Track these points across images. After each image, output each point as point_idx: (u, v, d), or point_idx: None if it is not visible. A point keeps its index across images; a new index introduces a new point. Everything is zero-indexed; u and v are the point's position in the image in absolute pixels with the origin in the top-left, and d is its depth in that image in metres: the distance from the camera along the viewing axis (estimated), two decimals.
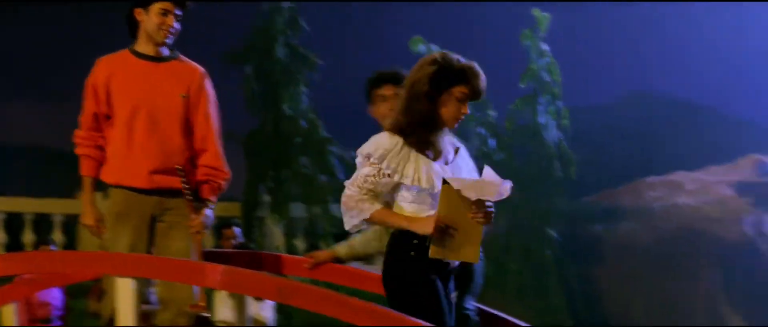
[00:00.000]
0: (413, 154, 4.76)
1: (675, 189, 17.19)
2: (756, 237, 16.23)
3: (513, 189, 4.65)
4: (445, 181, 4.69)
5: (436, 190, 4.76)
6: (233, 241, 10.41)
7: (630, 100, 19.49)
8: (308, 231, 14.85)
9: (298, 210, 14.82)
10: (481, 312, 5.14)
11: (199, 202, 5.59)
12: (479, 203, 4.63)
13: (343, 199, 4.84)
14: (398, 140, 4.77)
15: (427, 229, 4.66)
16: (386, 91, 5.59)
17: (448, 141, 4.93)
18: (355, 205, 4.78)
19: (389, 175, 4.75)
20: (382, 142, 4.79)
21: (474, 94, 4.78)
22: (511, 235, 15.50)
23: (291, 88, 14.91)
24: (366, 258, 5.64)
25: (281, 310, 10.22)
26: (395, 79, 5.56)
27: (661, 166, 17.80)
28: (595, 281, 16.32)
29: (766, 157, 17.66)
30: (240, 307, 5.98)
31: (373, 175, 4.74)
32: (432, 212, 4.75)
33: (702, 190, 17.11)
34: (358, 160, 4.83)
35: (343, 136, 14.73)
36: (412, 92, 4.77)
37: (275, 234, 14.77)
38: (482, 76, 4.79)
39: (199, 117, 5.61)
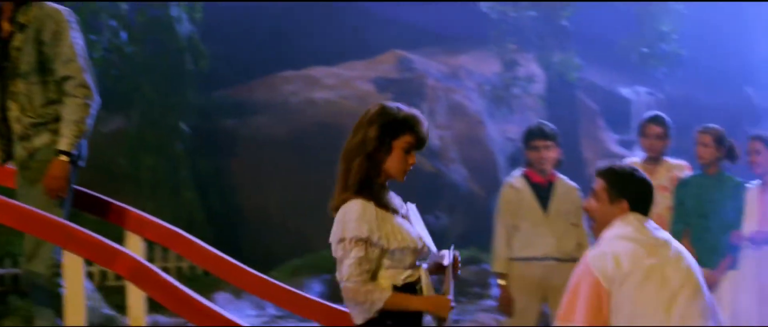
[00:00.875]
0: (382, 214, 5.09)
1: (311, 83, 19.39)
2: None
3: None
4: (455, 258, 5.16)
5: (414, 246, 5.10)
6: None
7: None
8: None
9: None
10: None
11: None
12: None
13: (347, 295, 5.04)
14: (369, 205, 5.07)
15: (444, 311, 5.05)
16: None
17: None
18: (364, 299, 5.01)
19: (377, 245, 5.04)
20: (355, 216, 5.03)
21: (419, 143, 5.17)
22: (144, 130, 16.85)
23: None
24: None
25: None
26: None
27: (298, 61, 19.72)
28: (228, 175, 18.22)
29: (407, 53, 20.10)
30: None
31: (365, 255, 5.02)
32: (408, 272, 5.11)
33: (340, 84, 19.45)
34: (336, 248, 5.08)
35: None
36: (362, 152, 5.10)
37: None
38: (425, 124, 5.19)
39: None
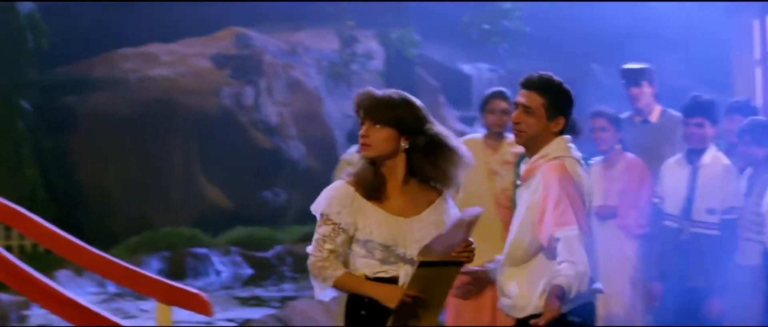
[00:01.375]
0: (364, 203, 5.06)
1: (150, 60, 19.38)
2: (235, 109, 18.78)
3: None
4: (421, 263, 4.97)
5: (382, 242, 5.04)
6: None
7: None
8: None
9: None
10: None
11: None
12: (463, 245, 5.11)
13: (309, 267, 5.07)
14: (349, 190, 5.07)
15: (391, 302, 4.95)
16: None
17: (418, 191, 5.16)
18: (318, 274, 5.04)
19: (344, 230, 5.03)
20: (334, 194, 5.05)
21: (358, 115, 5.10)
22: None
23: None
24: None
25: None
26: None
27: (137, 38, 19.61)
28: (70, 152, 18.18)
29: (245, 29, 20.02)
30: None
31: (330, 234, 5.04)
32: (384, 267, 5.08)
33: (178, 61, 19.44)
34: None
35: None
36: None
37: None
38: (359, 95, 5.13)
39: None
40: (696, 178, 7.69)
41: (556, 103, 5.45)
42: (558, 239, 5.28)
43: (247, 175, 18.65)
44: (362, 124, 5.09)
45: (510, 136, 9.22)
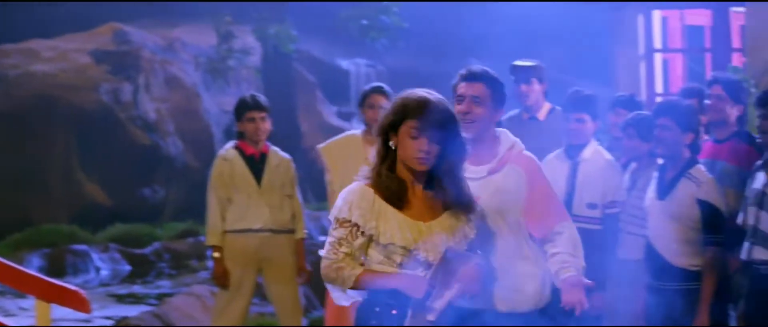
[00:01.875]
0: (384, 207, 4.85)
1: (30, 56, 18.95)
2: (114, 105, 18.43)
3: None
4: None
5: (411, 248, 4.83)
6: None
7: None
8: None
9: None
10: None
11: None
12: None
13: (322, 273, 4.89)
14: (370, 192, 4.87)
15: (417, 292, 4.78)
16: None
17: (434, 195, 4.92)
18: (335, 275, 4.85)
19: (363, 234, 4.84)
20: (354, 197, 4.86)
21: (424, 126, 4.78)
22: None
23: None
24: None
25: None
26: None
27: (17, 34, 19.19)
28: None
29: (124, 25, 19.70)
30: None
31: (346, 236, 4.85)
32: (400, 272, 4.86)
33: (59, 57, 19.05)
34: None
35: None
36: (378, 138, 4.89)
37: None
38: (434, 106, 4.80)
39: None
40: (576, 173, 7.40)
41: (500, 94, 5.52)
42: (560, 233, 5.43)
43: (126, 171, 18.33)
44: (422, 136, 4.83)
45: None
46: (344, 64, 20.16)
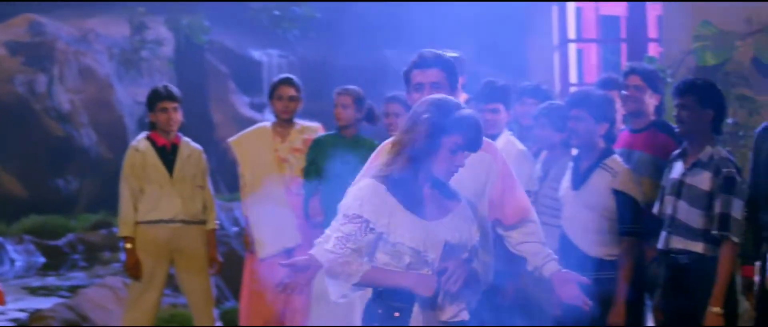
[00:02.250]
0: (395, 205, 4.69)
1: None
2: (28, 96, 18.14)
3: None
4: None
5: (419, 248, 4.67)
6: None
7: None
8: None
9: None
10: None
11: None
12: None
13: (328, 265, 4.69)
14: (381, 188, 4.70)
15: (426, 290, 4.65)
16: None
17: (440, 196, 4.82)
18: (340, 270, 4.65)
19: (372, 230, 4.67)
20: (366, 193, 4.68)
21: (469, 146, 4.70)
22: None
23: None
24: None
25: None
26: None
27: None
28: None
29: (38, 16, 19.28)
30: None
31: (355, 232, 4.66)
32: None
33: None
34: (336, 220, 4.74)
35: None
36: (405, 139, 4.70)
37: None
38: (480, 128, 4.72)
39: None
40: None
41: (454, 76, 5.39)
42: (533, 221, 5.39)
43: (41, 162, 18.03)
44: (462, 153, 4.76)
45: (299, 123, 8.75)
46: (256, 55, 19.86)
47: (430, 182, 4.77)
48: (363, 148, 8.32)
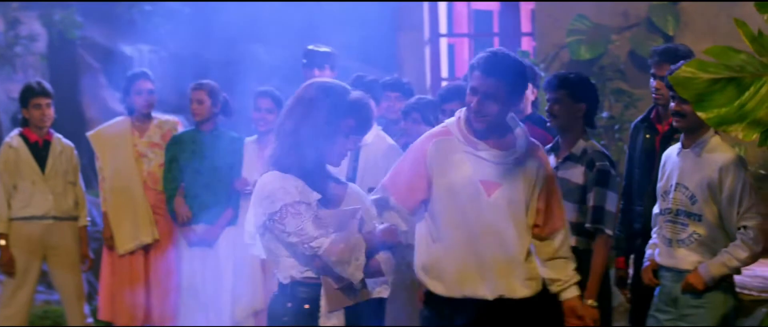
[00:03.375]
0: (304, 187, 4.51)
1: None
2: None
3: None
4: None
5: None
6: None
7: None
8: None
9: None
10: None
11: None
12: None
13: (334, 257, 4.44)
14: (285, 175, 4.50)
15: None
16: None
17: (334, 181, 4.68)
18: (343, 253, 4.45)
19: (309, 206, 4.46)
20: (276, 185, 4.46)
21: (361, 129, 4.57)
22: None
23: None
24: None
25: None
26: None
27: None
28: None
29: None
30: None
31: (305, 216, 4.42)
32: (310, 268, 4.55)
33: None
34: (268, 221, 4.49)
35: None
36: (292, 126, 4.52)
37: None
38: (371, 109, 4.59)
39: None
40: (358, 158, 7.25)
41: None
42: (564, 233, 5.29)
43: None
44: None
45: (157, 118, 8.69)
46: (128, 50, 19.57)
47: (321, 168, 4.62)
48: (222, 142, 8.29)
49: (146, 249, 8.55)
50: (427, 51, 11.33)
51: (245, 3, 12.96)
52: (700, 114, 4.00)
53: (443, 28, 11.40)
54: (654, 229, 6.31)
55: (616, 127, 9.65)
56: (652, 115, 7.00)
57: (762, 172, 8.81)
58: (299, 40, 8.76)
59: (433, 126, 6.80)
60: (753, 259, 5.87)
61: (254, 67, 12.95)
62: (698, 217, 5.94)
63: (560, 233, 5.18)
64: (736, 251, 5.85)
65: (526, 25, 11.06)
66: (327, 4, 12.08)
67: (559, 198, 5.22)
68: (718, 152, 5.93)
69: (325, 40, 8.39)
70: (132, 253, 8.49)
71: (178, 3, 14.49)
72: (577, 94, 6.28)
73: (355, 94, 4.60)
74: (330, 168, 4.76)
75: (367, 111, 4.59)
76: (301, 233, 4.43)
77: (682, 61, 5.94)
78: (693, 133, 5.98)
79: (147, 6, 14.83)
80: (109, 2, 15.74)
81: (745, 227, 5.83)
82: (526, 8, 11.05)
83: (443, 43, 11.43)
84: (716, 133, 5.92)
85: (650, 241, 6.34)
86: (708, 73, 3.96)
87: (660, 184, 6.19)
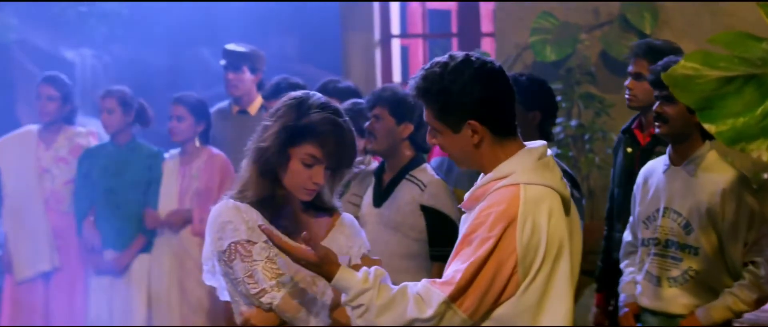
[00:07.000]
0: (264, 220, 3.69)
1: None
2: None
3: None
4: None
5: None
6: None
7: None
8: None
9: None
10: None
11: None
12: None
13: (279, 308, 3.63)
14: (243, 207, 3.70)
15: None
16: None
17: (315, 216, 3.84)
18: (306, 302, 3.68)
19: (266, 243, 3.65)
20: (227, 217, 3.68)
21: (328, 158, 3.63)
22: None
23: None
24: None
25: None
26: None
27: None
28: None
29: None
30: None
31: (262, 253, 3.66)
32: None
33: None
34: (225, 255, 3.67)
35: None
36: (256, 148, 3.71)
37: None
38: (346, 134, 3.65)
39: None
40: None
41: None
42: None
43: None
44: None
45: (70, 129, 7.69)
46: (69, 54, 18.51)
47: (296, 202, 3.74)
48: (139, 156, 7.26)
49: (46, 278, 7.50)
50: (378, 52, 10.32)
51: (186, 5, 11.94)
52: (707, 127, 2.61)
53: (396, 28, 10.28)
54: (624, 263, 5.17)
55: (587, 136, 8.49)
56: (635, 124, 5.69)
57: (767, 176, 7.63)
58: (243, 42, 7.68)
59: (363, 134, 5.40)
60: (763, 301, 4.72)
61: (200, 71, 11.99)
62: (694, 250, 4.78)
63: None
64: (743, 292, 4.67)
65: (486, 26, 10.03)
66: (272, 4, 11.06)
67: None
68: (717, 171, 4.77)
69: (272, 41, 7.36)
70: (31, 281, 7.45)
71: (116, 3, 13.24)
72: (529, 101, 4.92)
73: (323, 113, 3.64)
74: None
75: (335, 135, 3.63)
76: (249, 281, 3.63)
77: (670, 57, 4.66)
78: (681, 144, 4.72)
79: (82, 6, 13.58)
80: (45, 2, 14.47)
81: (753, 263, 4.67)
82: (486, 8, 10.02)
83: (396, 44, 10.39)
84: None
85: (623, 278, 5.18)
86: (717, 69, 2.63)
87: (639, 209, 5.02)
